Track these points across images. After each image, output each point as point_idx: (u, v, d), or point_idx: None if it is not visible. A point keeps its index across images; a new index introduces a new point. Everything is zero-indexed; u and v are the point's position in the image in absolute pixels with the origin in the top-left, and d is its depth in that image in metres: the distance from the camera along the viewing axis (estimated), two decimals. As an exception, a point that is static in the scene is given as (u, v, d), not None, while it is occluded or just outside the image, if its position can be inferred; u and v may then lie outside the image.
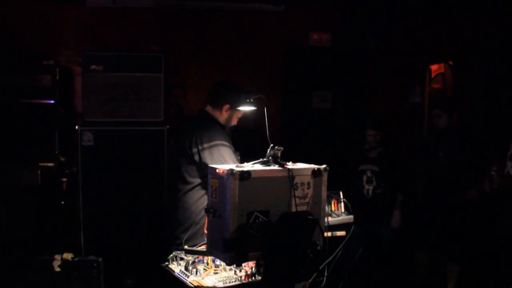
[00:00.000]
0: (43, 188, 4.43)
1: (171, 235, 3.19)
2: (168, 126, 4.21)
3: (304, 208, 2.30)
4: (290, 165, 2.33)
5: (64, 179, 4.71)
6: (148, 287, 4.00)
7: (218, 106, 3.22)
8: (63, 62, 5.09)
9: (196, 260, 2.54)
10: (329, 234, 2.93)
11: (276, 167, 2.28)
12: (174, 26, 5.52)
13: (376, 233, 4.60)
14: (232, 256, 2.11)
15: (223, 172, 2.12)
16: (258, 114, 3.37)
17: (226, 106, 3.20)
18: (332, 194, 3.65)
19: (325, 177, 2.38)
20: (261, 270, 2.33)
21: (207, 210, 2.22)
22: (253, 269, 2.42)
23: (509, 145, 3.64)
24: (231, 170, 2.08)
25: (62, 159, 4.67)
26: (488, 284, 4.08)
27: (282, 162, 2.32)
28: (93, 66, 4.12)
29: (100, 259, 3.57)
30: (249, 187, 2.12)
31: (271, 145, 2.34)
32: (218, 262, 2.52)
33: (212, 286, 2.29)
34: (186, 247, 2.65)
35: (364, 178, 4.62)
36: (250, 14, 5.74)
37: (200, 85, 5.48)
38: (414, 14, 5.83)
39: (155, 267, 2.67)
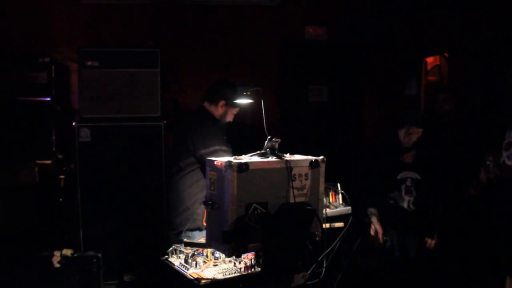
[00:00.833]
0: (41, 185, 4.42)
1: (167, 220, 3.44)
2: (165, 122, 4.21)
3: (302, 199, 2.31)
4: (287, 156, 2.34)
5: (62, 177, 4.71)
6: (148, 282, 4.01)
7: (214, 102, 3.41)
8: (59, 59, 5.10)
9: (196, 253, 2.56)
10: (327, 225, 2.96)
11: (274, 158, 2.29)
12: (169, 22, 5.53)
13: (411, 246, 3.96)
14: (232, 247, 2.13)
15: (221, 164, 2.13)
16: (254, 108, 3.46)
17: (222, 102, 3.38)
18: (330, 186, 3.69)
19: (322, 168, 2.40)
20: (260, 261, 2.34)
21: (205, 203, 2.23)
22: (252, 260, 2.44)
23: (504, 134, 3.64)
24: (229, 162, 2.09)
25: (60, 156, 4.68)
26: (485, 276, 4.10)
27: (280, 154, 2.33)
28: (90, 62, 4.11)
29: (100, 255, 3.58)
30: (247, 179, 2.14)
31: (269, 137, 2.36)
32: (217, 254, 2.54)
33: (212, 278, 2.31)
34: (185, 240, 2.68)
35: (403, 188, 3.86)
36: (246, 8, 5.75)
37: (196, 80, 5.52)
38: (409, 6, 5.84)
39: (154, 261, 2.70)
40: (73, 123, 4.13)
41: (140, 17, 5.43)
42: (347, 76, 6.31)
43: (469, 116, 4.72)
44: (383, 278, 3.93)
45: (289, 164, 2.25)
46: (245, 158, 2.23)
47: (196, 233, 3.11)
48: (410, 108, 4.76)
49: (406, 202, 3.85)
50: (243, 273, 2.39)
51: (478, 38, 5.11)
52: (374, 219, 3.73)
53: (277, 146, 2.34)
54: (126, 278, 4.08)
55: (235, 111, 3.43)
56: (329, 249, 2.59)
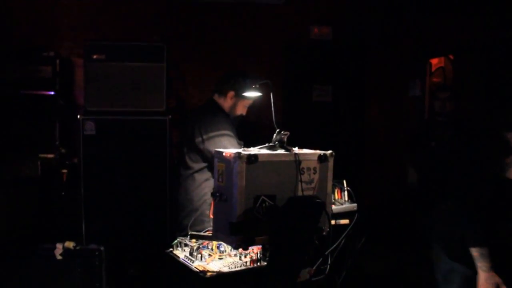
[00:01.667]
0: (43, 179, 4.42)
1: (175, 221, 3.24)
2: (170, 116, 4.19)
3: (310, 193, 2.29)
4: (296, 150, 2.32)
5: (65, 171, 4.71)
6: (151, 275, 4.00)
7: (223, 93, 3.25)
8: (63, 54, 5.10)
9: (201, 246, 2.54)
10: (333, 222, 2.93)
11: (282, 151, 2.27)
12: (174, 19, 5.52)
13: None
14: (239, 240, 2.11)
15: (230, 155, 2.11)
16: (259, 104, 3.37)
17: (231, 93, 3.21)
18: (336, 183, 3.66)
19: (331, 163, 2.38)
20: (267, 255, 2.32)
21: (213, 194, 2.21)
22: (259, 254, 2.42)
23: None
24: (238, 153, 2.07)
25: (63, 150, 4.68)
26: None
27: (289, 147, 2.31)
28: (96, 55, 4.11)
29: (102, 248, 3.57)
30: (256, 171, 2.12)
31: (277, 130, 2.34)
32: (222, 248, 2.52)
33: (218, 271, 2.29)
34: (190, 232, 2.65)
35: None
36: (251, 6, 5.74)
37: (200, 78, 5.51)
38: (414, 7, 5.84)
39: (158, 254, 2.68)
40: (78, 116, 4.12)
41: (145, 13, 5.42)
42: (351, 76, 6.32)
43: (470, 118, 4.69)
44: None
45: (298, 157, 2.23)
46: (254, 150, 2.22)
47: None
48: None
49: None
50: (249, 266, 2.37)
51: (484, 40, 5.10)
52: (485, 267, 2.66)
53: (286, 139, 2.32)
54: (130, 272, 4.06)
55: (246, 103, 3.26)
56: (334, 246, 2.57)
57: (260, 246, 2.41)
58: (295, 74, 6.05)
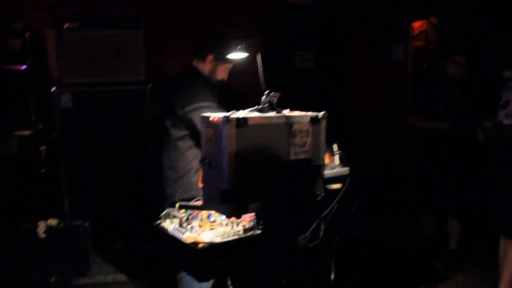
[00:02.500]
0: (21, 157, 4.30)
1: (161, 192, 3.13)
2: (150, 85, 4.04)
3: (303, 156, 2.19)
4: (287, 112, 2.21)
5: (43, 147, 4.59)
6: (140, 249, 3.92)
7: (202, 57, 3.08)
8: (33, 25, 4.85)
9: (190, 217, 2.42)
10: (324, 187, 2.85)
11: (273, 114, 2.15)
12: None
13: None
14: (231, 208, 2.00)
15: (217, 120, 1.98)
16: (238, 71, 3.24)
17: (210, 57, 3.05)
18: (326, 147, 3.57)
19: (323, 125, 2.27)
20: (261, 223, 2.22)
21: (201, 161, 2.09)
22: (251, 223, 2.33)
23: (501, 94, 3.57)
24: (227, 117, 1.95)
25: (39, 126, 4.55)
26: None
27: (279, 109, 2.19)
28: (67, 24, 3.90)
29: (87, 224, 3.49)
30: (246, 135, 2.00)
31: (267, 91, 2.21)
32: (213, 217, 2.42)
33: (209, 241, 2.18)
34: (178, 203, 2.53)
35: None
36: (230, -29, 5.57)
37: (179, 47, 5.31)
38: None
39: (145, 227, 2.59)
40: (53, 89, 3.95)
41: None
42: (333, 41, 6.23)
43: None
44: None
45: (289, 119, 2.12)
46: (243, 113, 2.09)
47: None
48: None
49: None
50: (242, 236, 2.26)
51: (467, 2, 5.04)
52: None
53: (276, 101, 2.20)
54: (117, 246, 3.96)
55: (227, 67, 3.10)
56: (327, 210, 2.49)
57: (252, 214, 2.31)
58: (276, 41, 5.91)
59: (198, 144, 2.97)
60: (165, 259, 2.57)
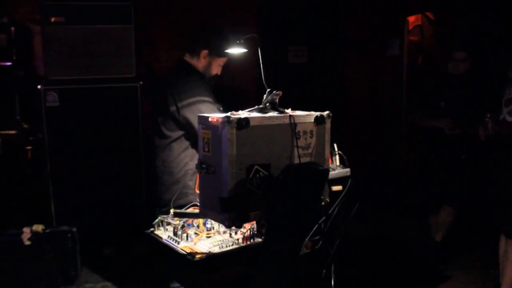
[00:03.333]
0: (6, 158, 4.15)
1: (154, 197, 2.97)
2: (141, 82, 3.88)
3: (307, 159, 2.05)
4: (289, 112, 2.06)
5: (29, 147, 4.42)
6: (130, 256, 3.78)
7: (196, 52, 2.93)
8: (19, 20, 4.69)
9: (186, 224, 2.27)
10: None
11: (275, 114, 2.00)
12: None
13: None
14: (231, 216, 1.85)
15: (217, 120, 1.83)
16: (231, 66, 3.12)
17: (204, 52, 2.91)
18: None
19: (328, 125, 2.13)
20: (263, 231, 2.07)
21: (198, 167, 1.94)
22: (250, 231, 2.17)
23: (504, 91, 3.47)
24: (227, 117, 1.79)
25: (25, 125, 4.40)
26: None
27: (281, 109, 2.04)
28: (54, 18, 3.73)
29: (75, 229, 3.37)
30: (247, 137, 1.85)
31: (268, 89, 2.06)
32: (209, 224, 2.27)
33: (207, 252, 2.03)
34: (172, 210, 2.38)
35: None
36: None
37: (170, 43, 5.23)
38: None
39: (137, 234, 2.44)
40: (39, 87, 3.79)
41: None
42: (327, 36, 6.16)
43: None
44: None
45: (293, 120, 1.97)
46: (243, 114, 1.94)
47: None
48: None
49: None
50: (242, 244, 2.12)
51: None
52: None
53: (277, 100, 2.05)
54: (106, 252, 3.82)
55: (221, 61, 2.97)
56: (328, 213, 2.35)
57: (252, 222, 2.16)
58: (269, 35, 5.79)
59: (194, 144, 2.83)
60: (158, 269, 2.42)
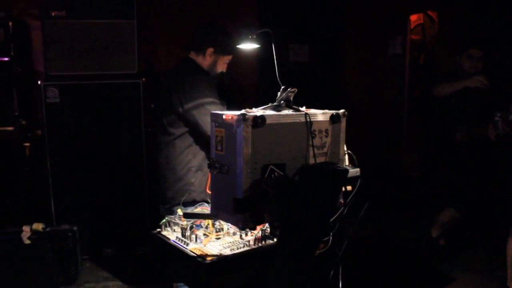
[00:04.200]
0: (4, 155, 4.14)
1: (157, 194, 2.95)
2: (144, 79, 3.82)
3: (322, 159, 1.98)
4: (305, 110, 1.99)
5: (27, 144, 4.40)
6: (131, 255, 3.73)
7: (201, 50, 2.92)
8: (17, 15, 4.66)
9: (194, 225, 2.20)
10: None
11: (290, 112, 1.94)
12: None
13: None
14: (246, 218, 1.78)
15: (232, 118, 1.76)
16: (231, 66, 3.08)
17: (210, 50, 2.90)
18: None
19: (343, 124, 2.07)
20: (277, 233, 2.01)
21: (211, 166, 1.87)
22: (262, 232, 2.11)
23: None
24: (243, 115, 1.72)
25: (23, 122, 4.36)
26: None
27: (296, 107, 1.98)
28: (55, 12, 3.67)
29: (75, 228, 3.32)
30: (262, 136, 1.78)
31: (283, 87, 2.00)
32: (218, 225, 2.20)
33: (218, 254, 1.97)
34: (179, 210, 2.31)
35: None
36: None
37: (170, 39, 5.22)
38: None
39: (139, 233, 2.39)
40: (39, 82, 3.73)
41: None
42: (328, 35, 6.15)
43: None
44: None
45: (309, 118, 1.90)
46: (258, 111, 1.87)
47: (192, 207, 2.73)
48: None
49: None
50: (253, 246, 2.05)
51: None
52: None
53: (292, 97, 1.98)
54: (107, 251, 3.77)
55: (227, 59, 2.96)
56: (337, 214, 2.29)
57: (263, 223, 2.10)
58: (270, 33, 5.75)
59: (198, 141, 2.82)
60: (165, 271, 2.35)
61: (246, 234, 2.14)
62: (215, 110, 2.60)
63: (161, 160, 2.94)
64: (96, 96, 3.84)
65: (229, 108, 2.78)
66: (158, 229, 2.28)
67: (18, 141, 4.26)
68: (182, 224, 2.21)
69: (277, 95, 2.02)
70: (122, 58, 3.84)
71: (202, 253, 1.98)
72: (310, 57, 6.07)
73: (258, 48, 2.52)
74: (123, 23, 3.82)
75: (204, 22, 5.08)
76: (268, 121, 1.80)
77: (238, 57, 2.99)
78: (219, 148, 1.85)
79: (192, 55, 2.96)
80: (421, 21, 7.11)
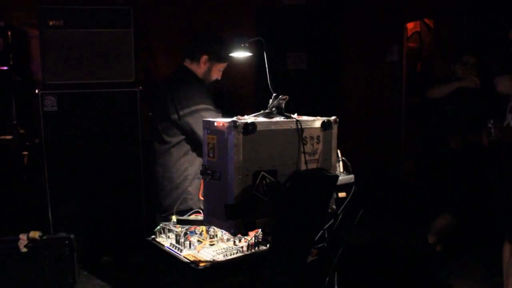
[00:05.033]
0: (2, 163, 4.15)
1: (154, 203, 2.95)
2: (141, 87, 3.83)
3: (314, 165, 2.01)
4: (296, 117, 2.02)
5: (25, 153, 4.40)
6: (129, 264, 3.72)
7: (196, 58, 2.93)
8: (15, 24, 4.68)
9: (188, 232, 2.22)
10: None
11: (281, 119, 1.96)
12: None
13: None
14: (237, 224, 1.80)
15: (223, 125, 1.78)
16: (228, 74, 3.09)
17: (204, 58, 2.91)
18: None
19: (335, 130, 2.10)
20: (269, 239, 2.02)
21: (203, 172, 1.89)
22: (255, 238, 2.13)
23: (509, 98, 3.45)
24: (234, 122, 1.75)
25: (22, 130, 4.37)
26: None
27: (287, 114, 2.00)
28: (52, 21, 3.68)
29: (72, 236, 3.30)
30: (254, 142, 1.80)
31: (274, 94, 2.02)
32: (212, 231, 2.22)
33: (211, 260, 1.98)
34: (174, 217, 2.33)
35: None
36: (223, -29, 5.43)
37: (168, 48, 5.22)
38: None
39: (136, 241, 2.39)
40: (36, 91, 3.74)
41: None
42: (326, 42, 6.15)
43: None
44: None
45: (300, 125, 1.93)
46: (249, 118, 1.89)
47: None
48: None
49: None
50: (246, 252, 2.07)
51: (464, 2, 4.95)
52: None
53: (284, 104, 2.01)
54: (104, 259, 3.76)
55: (221, 67, 2.96)
56: (331, 221, 2.31)
57: (256, 229, 2.11)
58: (268, 41, 5.76)
59: (195, 148, 2.83)
60: (159, 277, 2.36)
61: (240, 240, 2.16)
62: (211, 116, 2.65)
63: (157, 169, 2.94)
64: (93, 105, 3.84)
65: (224, 116, 2.80)
66: (153, 236, 2.30)
67: (17, 149, 4.27)
68: (176, 231, 2.23)
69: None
70: (119, 67, 3.84)
71: (195, 259, 2.00)
72: (308, 65, 6.08)
73: (256, 56, 2.53)
74: (120, 32, 3.82)
75: (199, 29, 5.17)
76: (259, 128, 1.82)
77: (236, 65, 3.00)
78: (211, 154, 1.88)
79: (187, 62, 2.96)
80: (418, 29, 7.13)
